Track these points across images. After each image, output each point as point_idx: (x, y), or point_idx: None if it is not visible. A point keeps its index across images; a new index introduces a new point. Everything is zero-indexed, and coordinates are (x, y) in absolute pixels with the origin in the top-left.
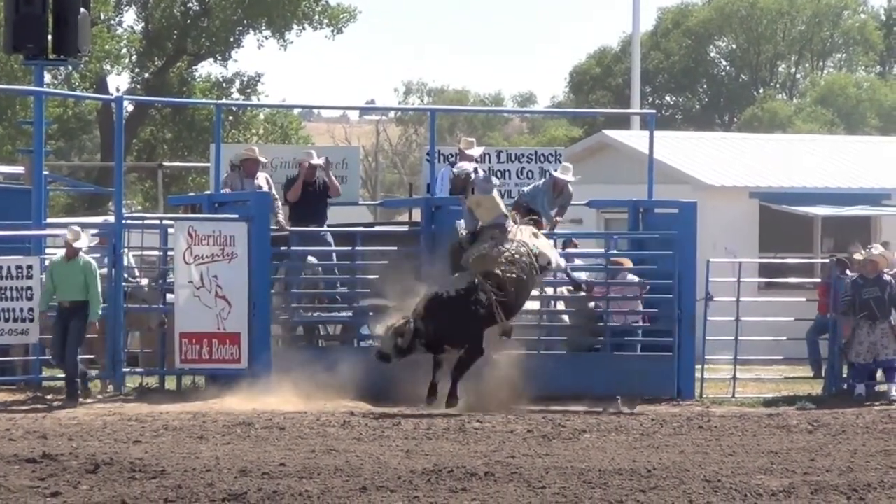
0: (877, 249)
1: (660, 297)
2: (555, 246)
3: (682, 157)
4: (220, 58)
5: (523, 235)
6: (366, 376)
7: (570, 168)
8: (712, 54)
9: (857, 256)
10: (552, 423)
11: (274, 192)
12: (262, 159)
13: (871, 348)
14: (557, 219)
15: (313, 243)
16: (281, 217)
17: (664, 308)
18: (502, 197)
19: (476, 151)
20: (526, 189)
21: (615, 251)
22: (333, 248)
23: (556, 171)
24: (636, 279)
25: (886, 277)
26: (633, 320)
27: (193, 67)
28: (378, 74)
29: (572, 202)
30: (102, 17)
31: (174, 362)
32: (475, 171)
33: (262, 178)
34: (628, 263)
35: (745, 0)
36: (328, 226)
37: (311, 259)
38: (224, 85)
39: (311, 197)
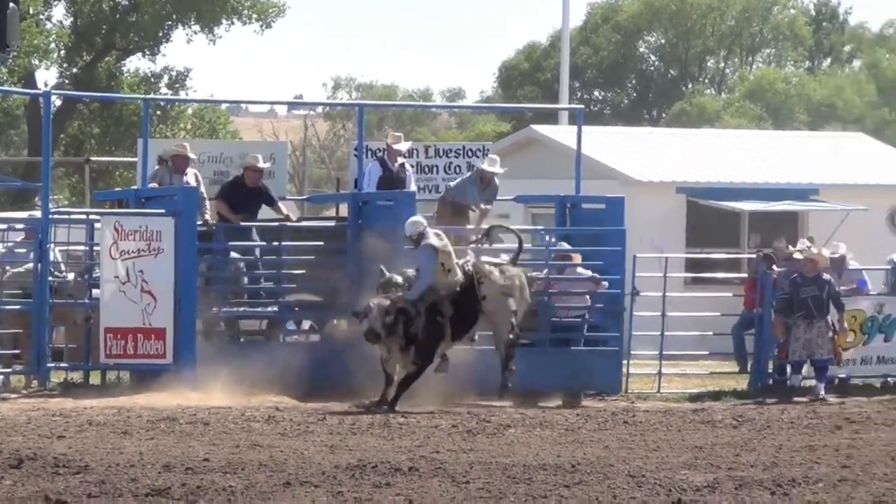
0: (816, 248)
1: (604, 292)
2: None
3: (609, 153)
4: (148, 52)
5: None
6: (291, 372)
7: (496, 160)
8: (641, 49)
9: (798, 255)
10: (477, 419)
11: (203, 189)
12: (192, 156)
13: (806, 345)
14: (487, 207)
15: (239, 239)
16: (208, 215)
17: (608, 303)
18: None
19: (404, 146)
20: (452, 184)
21: (566, 245)
22: (257, 243)
23: (483, 163)
24: (587, 273)
25: (825, 276)
26: (577, 315)
27: (122, 62)
28: (306, 69)
29: (500, 197)
30: (31, 11)
31: (99, 357)
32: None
33: (191, 175)
34: (578, 258)
35: None
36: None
37: (233, 254)
38: (152, 80)
39: (247, 200)
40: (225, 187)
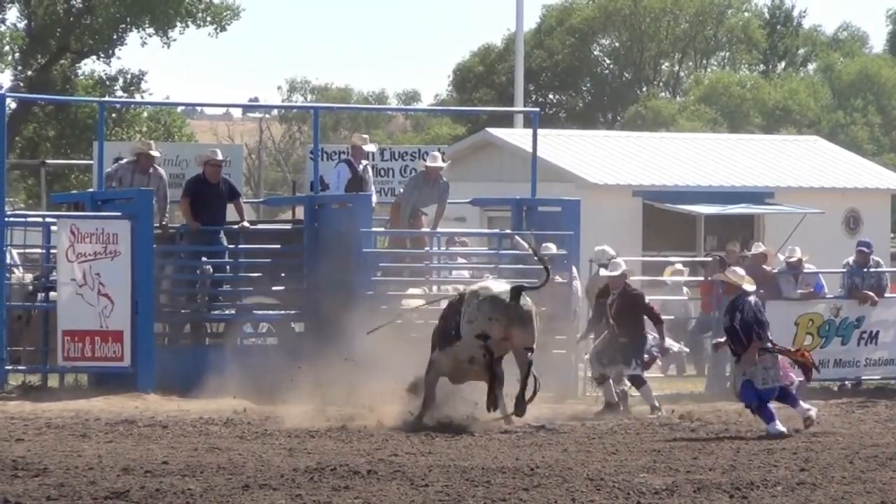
0: (758, 248)
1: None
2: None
3: (565, 156)
4: (103, 55)
5: None
6: (249, 375)
7: (437, 156)
8: (596, 52)
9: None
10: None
11: (166, 189)
12: (156, 154)
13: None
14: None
15: (206, 243)
16: (167, 217)
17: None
18: None
19: (371, 147)
20: (402, 190)
21: (552, 247)
22: (217, 247)
23: (427, 160)
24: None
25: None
26: None
27: (77, 65)
28: (261, 72)
29: (457, 200)
30: None
31: (57, 360)
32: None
33: (154, 177)
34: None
35: None
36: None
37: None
38: (107, 82)
39: (211, 197)
40: (188, 186)
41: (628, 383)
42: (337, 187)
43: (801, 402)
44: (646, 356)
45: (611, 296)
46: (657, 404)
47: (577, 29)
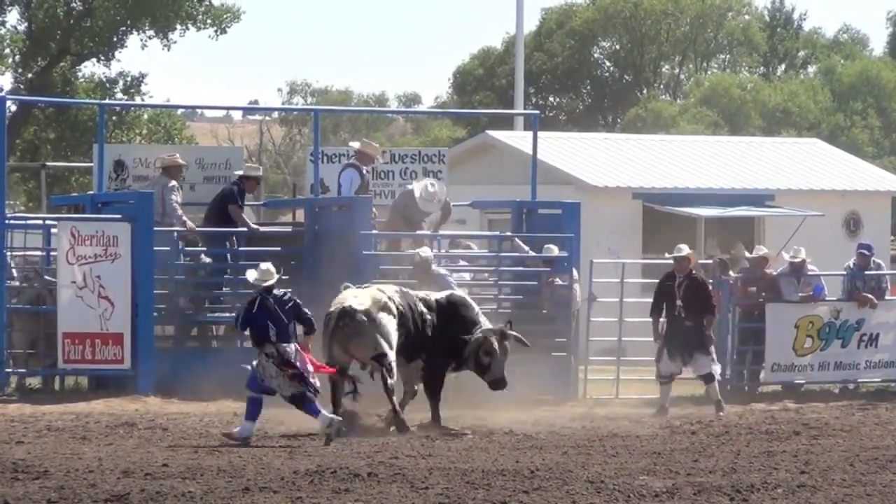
0: (759, 251)
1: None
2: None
3: (565, 158)
4: (103, 58)
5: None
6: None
7: (434, 194)
8: (596, 55)
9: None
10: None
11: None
12: (182, 162)
13: None
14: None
15: (214, 244)
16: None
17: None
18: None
19: (381, 159)
20: (398, 196)
21: (555, 249)
22: (226, 250)
23: (419, 193)
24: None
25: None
26: None
27: (77, 67)
28: (262, 75)
29: (457, 203)
30: None
31: (57, 362)
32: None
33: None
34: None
35: (629, 0)
36: (205, 226)
37: (204, 258)
38: (107, 85)
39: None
40: (238, 197)
41: None
42: (349, 193)
43: (324, 412)
44: None
45: (677, 278)
46: (722, 402)
47: (577, 31)
